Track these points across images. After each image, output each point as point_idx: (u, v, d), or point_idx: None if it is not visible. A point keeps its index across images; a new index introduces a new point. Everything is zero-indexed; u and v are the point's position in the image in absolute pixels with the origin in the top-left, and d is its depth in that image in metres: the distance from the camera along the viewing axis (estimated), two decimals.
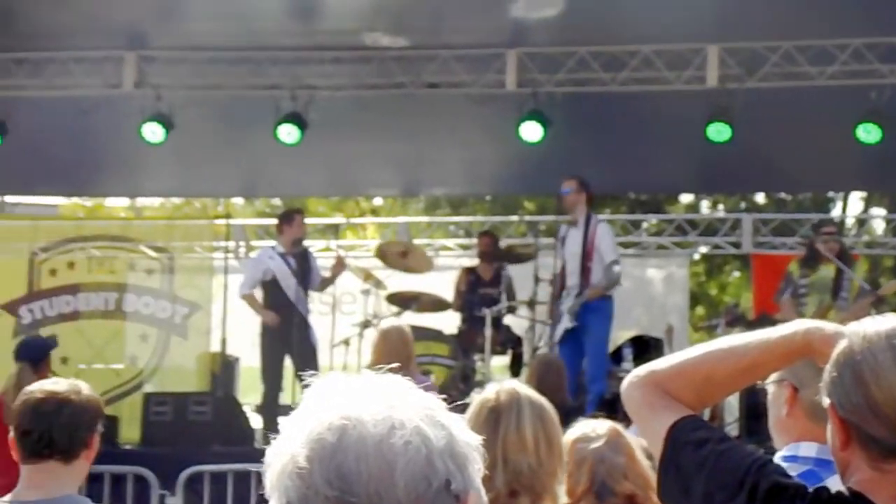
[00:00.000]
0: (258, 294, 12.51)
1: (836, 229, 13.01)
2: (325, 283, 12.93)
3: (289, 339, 12.02)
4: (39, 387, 3.94)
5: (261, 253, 13.14)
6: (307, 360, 11.88)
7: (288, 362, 12.26)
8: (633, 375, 2.57)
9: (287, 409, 13.13)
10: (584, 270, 11.64)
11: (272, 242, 16.60)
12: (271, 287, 12.40)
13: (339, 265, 12.74)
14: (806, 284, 11.75)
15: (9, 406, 8.46)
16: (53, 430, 3.81)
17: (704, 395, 2.54)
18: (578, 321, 11.47)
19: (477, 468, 1.57)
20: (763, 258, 15.91)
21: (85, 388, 3.96)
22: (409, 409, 1.54)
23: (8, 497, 3.84)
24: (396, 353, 8.99)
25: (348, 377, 1.59)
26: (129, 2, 11.70)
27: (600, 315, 11.57)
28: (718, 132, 11.80)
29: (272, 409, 12.01)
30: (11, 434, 3.88)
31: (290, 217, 12.86)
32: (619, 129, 13.06)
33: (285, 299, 12.24)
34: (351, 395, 1.55)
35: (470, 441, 1.58)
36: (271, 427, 1.57)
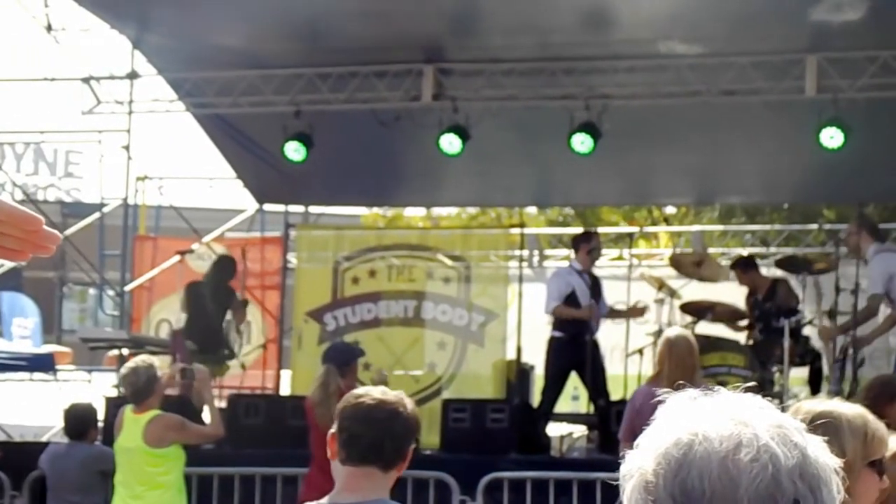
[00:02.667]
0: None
1: None
2: (614, 314, 13.02)
3: (580, 354, 12.11)
4: (367, 392, 4.01)
5: (561, 270, 13.25)
6: (596, 376, 12.02)
7: (573, 375, 12.43)
8: None
9: (562, 417, 13.31)
10: None
11: (565, 251, 16.73)
12: (569, 302, 12.51)
13: (637, 312, 12.85)
14: None
15: (315, 405, 8.80)
16: (385, 439, 3.89)
17: None
18: None
19: (834, 492, 1.56)
20: None
21: (409, 402, 4.04)
22: (759, 427, 1.54)
23: (325, 499, 3.95)
24: (683, 362, 8.92)
25: (702, 394, 1.61)
26: (428, 16, 12.00)
27: None
28: None
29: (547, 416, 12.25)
30: (333, 431, 3.96)
31: (588, 237, 12.94)
32: None
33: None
34: (702, 412, 1.57)
35: (827, 462, 1.56)
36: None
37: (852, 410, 3.29)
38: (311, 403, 8.87)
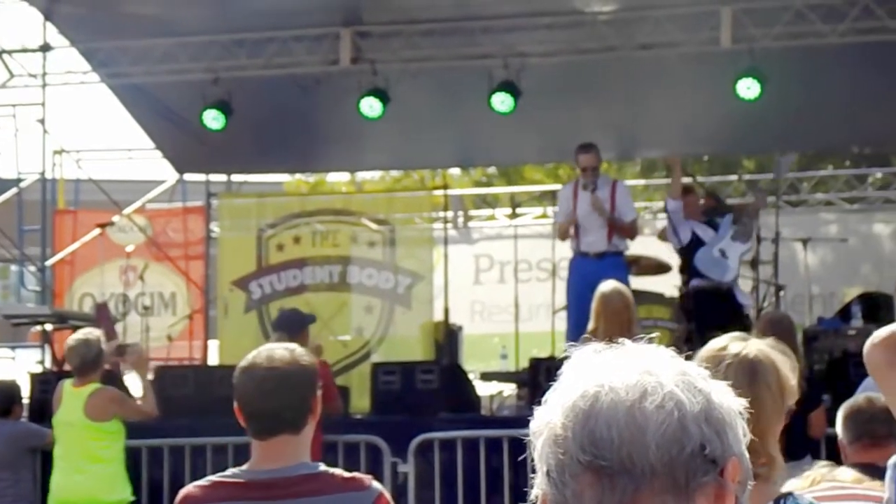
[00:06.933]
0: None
1: None
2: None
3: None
4: (255, 361, 3.90)
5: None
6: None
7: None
8: (875, 337, 2.55)
9: (492, 376, 13.27)
10: None
11: (490, 211, 16.76)
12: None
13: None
14: None
15: None
16: (283, 409, 3.83)
17: None
18: None
19: (740, 434, 1.57)
20: None
21: (299, 355, 3.92)
22: (664, 375, 1.55)
23: (240, 469, 3.92)
24: (619, 317, 8.96)
25: (606, 346, 1.61)
26: None
27: None
28: None
29: None
30: (237, 408, 3.90)
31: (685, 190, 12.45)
32: (838, 83, 12.75)
33: None
34: (607, 364, 1.58)
35: (731, 406, 1.58)
36: None
37: (773, 356, 3.30)
38: None
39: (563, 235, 11.95)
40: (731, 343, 3.37)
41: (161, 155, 15.53)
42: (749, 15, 11.76)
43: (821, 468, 3.84)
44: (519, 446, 1.66)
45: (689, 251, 11.92)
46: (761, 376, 3.16)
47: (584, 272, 10.87)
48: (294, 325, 9.51)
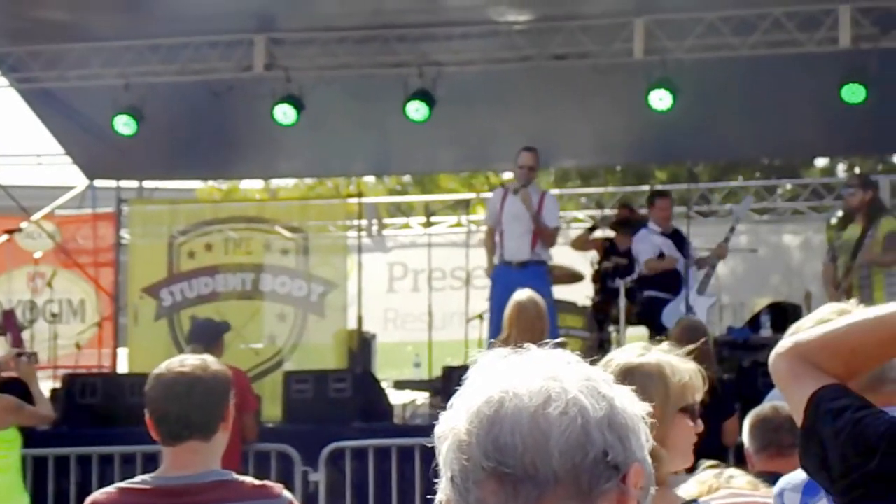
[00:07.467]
0: None
1: (858, 182, 11.38)
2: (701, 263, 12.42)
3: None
4: (168, 368, 3.91)
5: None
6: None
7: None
8: (780, 347, 2.56)
9: (405, 384, 13.23)
10: None
11: (404, 220, 16.75)
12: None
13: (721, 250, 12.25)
14: (837, 247, 11.34)
15: None
16: (191, 412, 3.81)
17: (852, 367, 2.51)
18: None
19: (643, 440, 1.57)
20: None
21: (212, 363, 3.94)
22: (568, 381, 1.55)
23: (149, 476, 3.89)
24: (532, 326, 8.97)
25: (513, 352, 1.61)
26: None
27: None
28: (853, 93, 11.59)
29: None
30: (148, 417, 3.90)
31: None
32: (750, 94, 12.90)
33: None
34: (512, 369, 1.57)
35: (635, 412, 1.58)
36: None
37: (658, 359, 3.33)
38: None
39: (488, 240, 12.03)
40: (619, 353, 3.40)
41: (71, 161, 15.35)
42: (662, 27, 11.87)
43: (710, 471, 3.87)
44: (431, 455, 1.65)
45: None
46: (637, 381, 3.19)
47: (508, 281, 10.89)
48: (208, 335, 9.44)
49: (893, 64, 11.43)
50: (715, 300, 12.35)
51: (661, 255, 12.04)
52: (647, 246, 12.15)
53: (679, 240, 12.23)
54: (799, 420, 2.49)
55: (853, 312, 2.65)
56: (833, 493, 2.44)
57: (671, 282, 11.88)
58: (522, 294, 9.36)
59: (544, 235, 11.73)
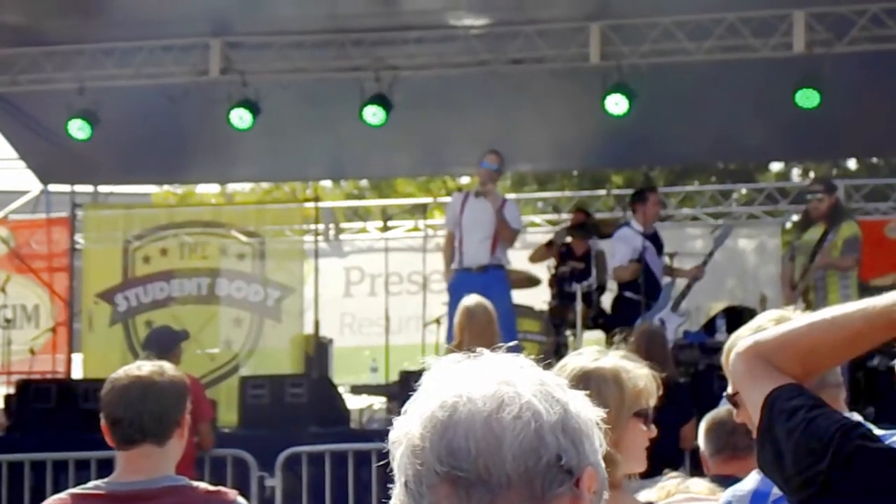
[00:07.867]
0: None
1: (822, 187, 11.45)
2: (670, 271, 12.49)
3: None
4: (124, 373, 3.94)
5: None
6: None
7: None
8: (739, 346, 2.57)
9: (361, 389, 13.20)
10: None
11: (361, 224, 16.72)
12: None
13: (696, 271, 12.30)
14: (796, 247, 11.45)
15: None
16: (144, 416, 3.83)
17: (810, 367, 2.52)
18: None
19: (596, 444, 1.57)
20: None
21: (169, 369, 3.97)
22: (522, 385, 1.55)
23: (102, 481, 3.88)
24: (483, 331, 8.99)
25: (467, 356, 1.60)
26: None
27: None
28: (807, 98, 11.66)
29: None
30: (103, 421, 3.91)
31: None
32: (705, 99, 12.96)
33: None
34: (466, 374, 1.57)
35: (589, 416, 1.58)
36: None
37: (613, 364, 3.35)
38: None
39: (447, 245, 11.99)
40: (575, 357, 3.41)
41: (25, 165, 15.23)
42: (617, 32, 11.91)
43: (672, 478, 3.89)
44: (388, 460, 1.65)
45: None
46: (593, 386, 3.20)
47: (468, 286, 10.87)
48: (165, 343, 9.41)
49: (847, 69, 11.53)
50: (685, 320, 12.42)
51: (638, 260, 11.97)
52: (627, 249, 12.01)
53: (657, 242, 12.26)
54: (756, 420, 2.50)
55: (792, 319, 2.66)
56: (786, 492, 2.45)
57: (648, 287, 11.89)
58: (470, 300, 9.39)
59: (505, 233, 11.70)
